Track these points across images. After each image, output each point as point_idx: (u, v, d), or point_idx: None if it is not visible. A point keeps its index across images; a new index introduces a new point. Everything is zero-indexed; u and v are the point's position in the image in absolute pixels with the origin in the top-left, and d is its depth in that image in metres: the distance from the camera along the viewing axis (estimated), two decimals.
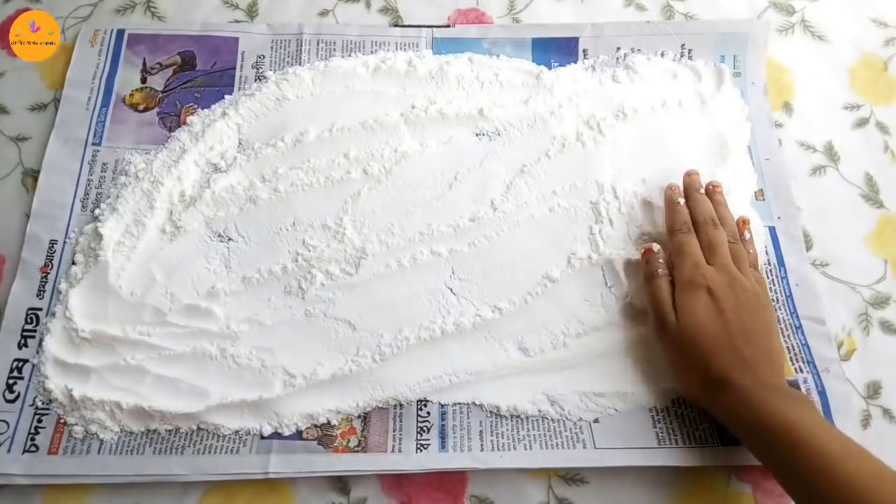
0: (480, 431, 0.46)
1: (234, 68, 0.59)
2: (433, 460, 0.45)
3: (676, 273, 0.46)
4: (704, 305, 0.44)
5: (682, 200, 0.50)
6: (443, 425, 0.46)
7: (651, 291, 0.47)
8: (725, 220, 0.49)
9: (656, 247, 0.48)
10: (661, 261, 0.47)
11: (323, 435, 0.46)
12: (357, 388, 0.47)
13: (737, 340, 0.43)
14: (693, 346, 0.43)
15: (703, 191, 0.50)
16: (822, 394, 0.47)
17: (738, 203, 0.53)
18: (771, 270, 0.52)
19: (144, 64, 0.59)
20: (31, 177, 0.55)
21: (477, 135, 0.55)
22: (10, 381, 0.47)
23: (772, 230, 0.54)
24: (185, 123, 0.56)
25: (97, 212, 0.52)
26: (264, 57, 0.59)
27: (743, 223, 0.50)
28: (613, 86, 0.57)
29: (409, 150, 0.53)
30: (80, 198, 0.53)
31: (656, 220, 0.52)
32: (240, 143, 0.54)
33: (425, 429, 0.46)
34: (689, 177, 0.51)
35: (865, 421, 0.48)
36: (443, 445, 0.46)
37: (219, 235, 0.51)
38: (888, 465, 0.38)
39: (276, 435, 0.46)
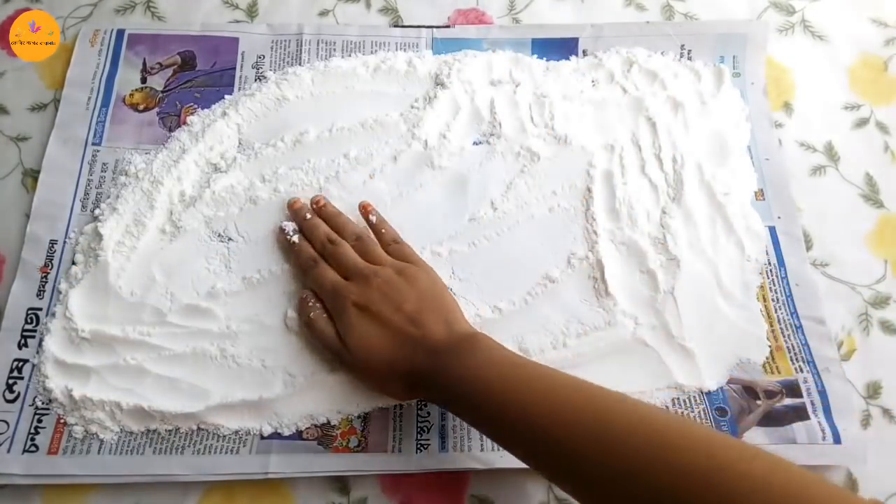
0: None
1: (234, 68, 0.59)
2: (433, 460, 0.45)
3: (327, 306, 0.45)
4: (359, 322, 0.43)
5: (296, 238, 0.49)
6: (443, 425, 0.46)
7: (316, 336, 0.45)
8: (342, 228, 0.48)
9: (304, 293, 0.47)
10: (311, 302, 0.46)
11: (323, 435, 0.46)
12: (357, 388, 0.47)
13: (405, 329, 0.42)
14: (374, 365, 0.43)
15: (309, 216, 0.49)
16: (823, 394, 0.47)
17: (739, 203, 0.53)
18: (771, 270, 0.52)
19: (144, 64, 0.59)
20: (31, 177, 0.55)
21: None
22: (10, 381, 0.47)
23: (772, 230, 0.54)
24: (185, 123, 0.56)
25: (97, 212, 0.52)
26: (264, 57, 0.59)
27: (365, 209, 0.50)
28: (614, 86, 0.57)
29: (409, 149, 0.53)
30: (80, 198, 0.53)
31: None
32: (240, 143, 0.54)
33: (425, 429, 0.46)
34: (292, 207, 0.50)
35: (865, 421, 0.48)
36: (443, 445, 0.46)
37: (219, 235, 0.51)
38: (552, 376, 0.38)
39: (276, 435, 0.46)
